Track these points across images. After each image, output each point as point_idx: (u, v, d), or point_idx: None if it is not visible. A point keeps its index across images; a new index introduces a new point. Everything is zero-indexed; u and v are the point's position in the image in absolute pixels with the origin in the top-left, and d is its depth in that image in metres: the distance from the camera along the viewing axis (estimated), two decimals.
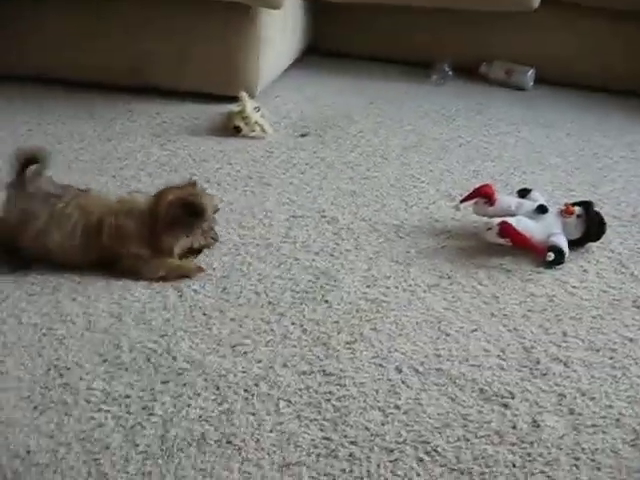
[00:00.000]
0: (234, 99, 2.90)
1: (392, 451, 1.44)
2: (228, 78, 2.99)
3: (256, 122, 2.76)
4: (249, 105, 2.78)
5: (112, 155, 2.60)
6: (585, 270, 2.07)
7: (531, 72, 3.49)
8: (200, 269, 1.95)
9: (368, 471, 1.39)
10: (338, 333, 1.76)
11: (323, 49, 3.72)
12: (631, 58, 3.46)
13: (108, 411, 1.50)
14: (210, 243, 2.01)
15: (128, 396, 1.54)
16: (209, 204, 1.95)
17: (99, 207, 1.91)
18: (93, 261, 1.92)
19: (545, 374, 1.66)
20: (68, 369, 1.61)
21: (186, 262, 1.96)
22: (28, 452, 1.40)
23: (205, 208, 1.91)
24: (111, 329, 1.74)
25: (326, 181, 2.49)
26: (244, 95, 2.82)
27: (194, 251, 1.99)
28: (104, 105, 3.00)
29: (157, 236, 1.89)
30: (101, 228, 1.88)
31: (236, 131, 2.77)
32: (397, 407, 1.54)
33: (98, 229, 1.88)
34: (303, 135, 2.84)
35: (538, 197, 2.25)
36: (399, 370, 1.65)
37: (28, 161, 1.93)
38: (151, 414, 1.49)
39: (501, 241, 2.08)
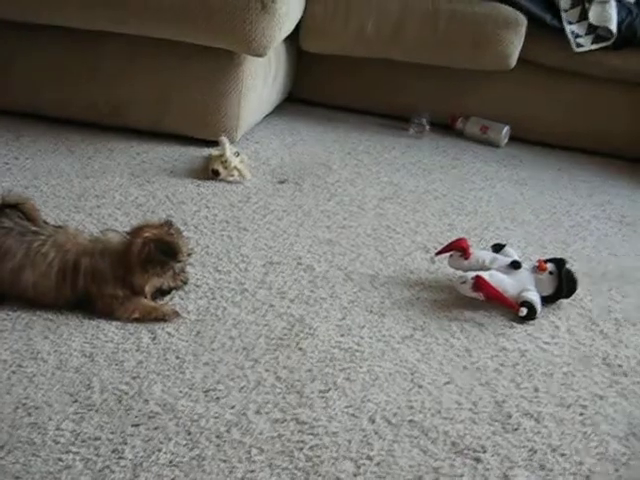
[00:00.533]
0: (214, 143, 2.92)
1: None
2: (209, 122, 3.01)
3: (235, 167, 2.78)
4: (229, 150, 2.80)
5: (89, 192, 2.59)
6: (557, 326, 2.10)
7: (506, 130, 3.57)
8: (176, 313, 1.94)
9: None
10: (312, 381, 1.75)
11: (304, 97, 3.77)
12: (604, 120, 3.55)
13: (77, 453, 1.48)
14: (179, 285, 2.00)
15: (98, 438, 1.52)
16: (184, 246, 1.94)
17: (75, 246, 1.90)
18: (67, 301, 1.90)
19: (516, 429, 1.67)
20: (37, 408, 1.58)
21: (162, 305, 1.95)
22: None
23: (180, 249, 1.91)
24: (83, 369, 1.72)
25: (303, 228, 2.51)
26: (224, 140, 2.84)
27: (163, 292, 1.98)
28: (84, 142, 3.00)
29: (130, 274, 1.88)
30: (78, 269, 1.87)
31: (215, 175, 2.78)
32: (369, 458, 1.54)
33: (74, 270, 1.87)
34: (281, 182, 2.86)
35: (511, 252, 2.28)
36: (372, 420, 1.65)
37: (7, 204, 1.93)
38: (121, 457, 1.47)
39: (475, 295, 2.10)
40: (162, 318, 1.91)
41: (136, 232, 1.91)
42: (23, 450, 1.47)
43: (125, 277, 1.88)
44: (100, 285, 1.88)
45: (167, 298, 1.99)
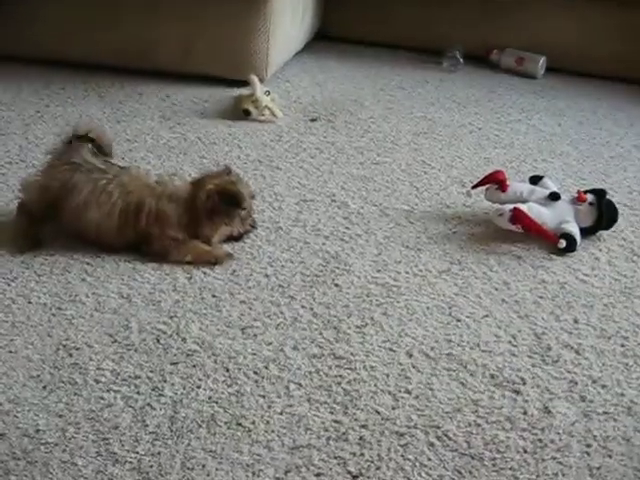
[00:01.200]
0: (244, 83, 2.88)
1: (403, 435, 1.43)
2: (238, 62, 2.98)
3: (266, 106, 2.74)
4: (259, 89, 2.76)
5: (121, 137, 2.58)
6: (597, 258, 2.06)
7: (542, 61, 3.47)
8: (230, 255, 1.94)
9: (379, 455, 1.38)
10: (348, 317, 1.75)
11: (333, 35, 3.70)
12: None
13: (117, 391, 1.50)
14: (249, 230, 2.01)
15: (138, 377, 1.53)
16: (246, 191, 1.94)
17: (139, 187, 1.89)
18: (127, 242, 1.91)
19: (556, 361, 1.65)
20: (77, 349, 1.60)
21: (215, 249, 1.94)
22: (37, 431, 1.39)
23: (242, 196, 1.91)
24: (120, 310, 1.73)
25: (336, 166, 2.48)
26: (254, 79, 2.80)
27: (233, 238, 1.99)
28: (113, 87, 2.98)
29: (197, 226, 1.89)
30: (140, 210, 1.87)
31: (246, 115, 2.75)
32: (408, 391, 1.54)
33: (137, 211, 1.87)
34: (313, 120, 2.82)
35: (550, 184, 2.23)
36: (410, 354, 1.64)
37: (81, 137, 1.93)
38: (161, 395, 1.49)
39: (512, 227, 2.06)
40: (215, 261, 1.91)
41: (198, 184, 1.90)
42: (65, 390, 1.49)
43: (189, 226, 1.89)
44: (163, 227, 1.88)
45: None
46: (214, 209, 1.88)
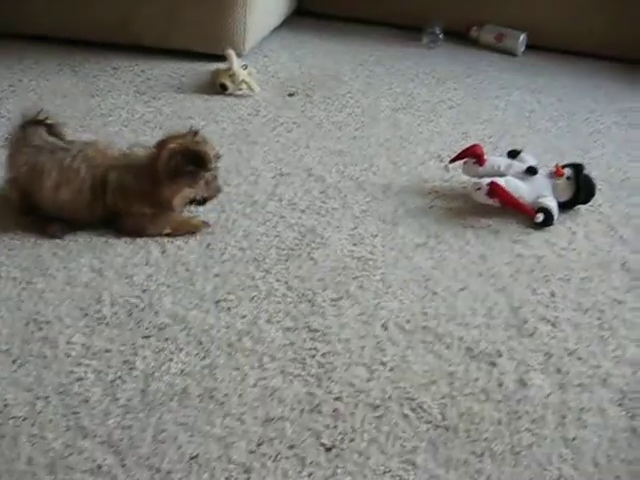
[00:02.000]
0: (222, 58, 2.84)
1: (377, 407, 1.42)
2: (215, 36, 2.93)
3: (243, 80, 2.71)
4: (236, 63, 2.72)
5: (95, 111, 2.54)
6: (574, 232, 2.05)
7: (522, 37, 3.44)
8: (206, 224, 1.91)
9: (352, 427, 1.37)
10: (324, 290, 1.73)
11: (312, 10, 3.65)
12: (623, 24, 3.41)
13: (88, 365, 1.47)
14: (213, 195, 1.92)
15: (108, 350, 1.51)
16: (211, 153, 1.85)
17: (105, 160, 1.85)
18: (99, 218, 1.87)
19: (532, 334, 1.65)
20: (48, 323, 1.58)
21: (192, 218, 1.91)
22: (5, 405, 1.37)
23: (207, 156, 1.82)
24: (92, 283, 1.71)
25: (313, 140, 2.45)
26: (231, 53, 2.76)
27: (196, 202, 1.91)
28: (88, 61, 2.93)
29: (158, 187, 1.82)
30: (106, 184, 1.83)
31: (223, 89, 2.72)
32: (383, 364, 1.52)
33: (103, 185, 1.83)
34: (291, 94, 2.79)
35: (528, 158, 2.22)
36: (385, 327, 1.63)
37: (35, 120, 1.88)
38: (132, 368, 1.47)
39: (490, 201, 2.05)
40: (193, 231, 1.89)
41: (161, 144, 1.83)
42: (35, 364, 1.47)
43: (152, 192, 1.83)
44: (127, 201, 1.83)
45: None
46: (177, 170, 1.80)
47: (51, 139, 1.87)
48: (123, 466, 1.26)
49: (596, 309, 1.75)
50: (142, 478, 1.25)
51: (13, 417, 1.34)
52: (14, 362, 1.47)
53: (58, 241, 1.84)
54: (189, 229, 1.89)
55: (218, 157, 1.91)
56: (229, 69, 2.72)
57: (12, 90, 2.67)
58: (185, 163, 1.81)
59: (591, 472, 1.32)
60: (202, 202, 1.92)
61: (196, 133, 1.87)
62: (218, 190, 1.93)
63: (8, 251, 1.79)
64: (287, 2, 3.43)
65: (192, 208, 1.94)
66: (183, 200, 1.87)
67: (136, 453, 1.29)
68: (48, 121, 1.91)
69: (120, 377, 1.45)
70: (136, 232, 1.87)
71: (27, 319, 1.58)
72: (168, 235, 1.88)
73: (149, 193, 1.83)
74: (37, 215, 1.87)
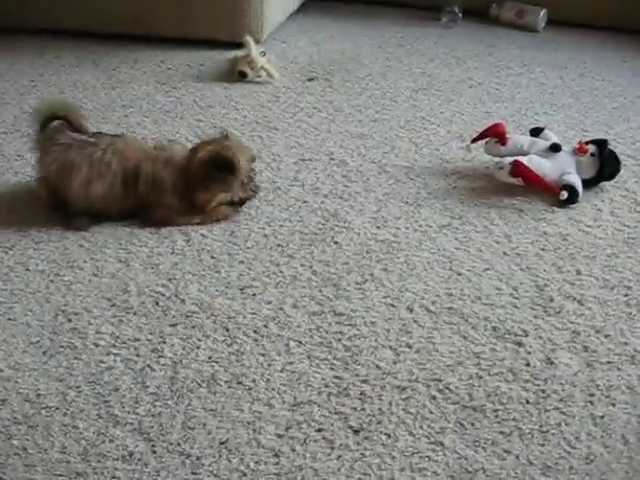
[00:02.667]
0: (240, 45, 2.84)
1: (404, 389, 1.42)
2: (232, 23, 2.93)
3: (262, 67, 2.71)
4: (254, 50, 2.72)
5: (116, 103, 2.56)
6: (599, 209, 2.03)
7: (543, 13, 3.40)
8: (234, 211, 1.93)
9: (380, 409, 1.38)
10: (348, 274, 1.73)
11: None
12: None
13: (117, 354, 1.49)
14: (250, 195, 1.95)
15: (137, 339, 1.53)
16: (244, 156, 1.89)
17: (136, 153, 1.87)
18: (131, 209, 1.89)
19: (559, 312, 1.64)
20: (76, 314, 1.60)
21: (219, 207, 1.91)
22: (38, 395, 1.39)
23: (236, 163, 1.85)
24: (119, 274, 1.72)
25: (334, 124, 2.45)
26: (249, 40, 2.75)
27: (234, 204, 1.93)
28: (108, 54, 2.95)
29: (192, 192, 1.86)
30: (138, 174, 1.84)
31: (242, 76, 2.72)
32: (409, 346, 1.53)
33: (135, 177, 1.84)
34: (310, 79, 2.78)
35: (551, 136, 2.20)
36: (410, 309, 1.63)
37: (54, 115, 1.90)
38: (160, 356, 1.48)
39: (513, 180, 2.04)
40: (223, 218, 1.90)
41: (194, 151, 1.86)
42: (65, 354, 1.49)
43: (185, 192, 1.86)
44: (159, 193, 1.85)
45: None
46: (208, 176, 1.84)
47: (77, 135, 1.88)
48: (154, 452, 1.28)
49: (623, 286, 1.73)
50: (173, 464, 1.26)
51: (45, 407, 1.37)
52: (44, 353, 1.49)
53: (84, 233, 1.86)
54: (218, 217, 1.91)
55: (253, 160, 1.94)
56: (248, 56, 2.72)
57: (33, 85, 2.69)
58: (216, 170, 1.84)
59: (620, 450, 1.32)
60: (240, 203, 1.94)
61: (227, 137, 1.90)
62: (255, 191, 1.96)
63: (35, 244, 1.82)
64: None
65: None
66: (219, 203, 1.90)
67: (166, 439, 1.30)
68: (68, 117, 1.92)
69: (149, 365, 1.46)
70: (165, 223, 1.89)
71: (56, 311, 1.61)
72: (198, 224, 1.89)
73: (182, 191, 1.86)
74: (66, 211, 1.88)
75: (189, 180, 1.85)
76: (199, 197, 1.87)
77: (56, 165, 1.85)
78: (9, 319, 1.58)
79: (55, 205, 1.89)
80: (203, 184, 1.85)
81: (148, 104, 2.56)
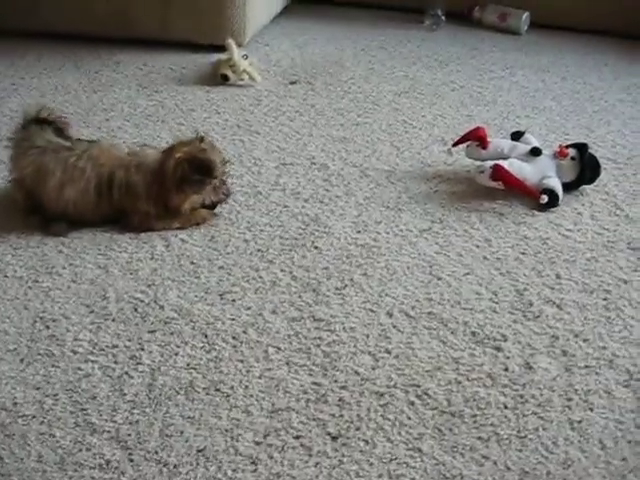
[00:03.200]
0: (222, 49, 2.83)
1: (382, 395, 1.42)
2: (215, 26, 2.93)
3: (244, 70, 2.70)
4: (236, 53, 2.72)
5: (97, 107, 2.55)
6: (579, 213, 2.04)
7: (526, 16, 3.41)
8: (213, 214, 1.93)
9: (358, 415, 1.38)
10: (328, 279, 1.73)
11: None
12: (627, 0, 3.38)
13: (95, 361, 1.48)
14: (222, 199, 1.94)
15: (115, 346, 1.52)
16: (218, 159, 1.88)
17: (110, 159, 1.86)
18: (106, 216, 1.88)
19: (538, 316, 1.64)
20: (54, 321, 1.59)
21: (198, 210, 1.91)
22: (15, 404, 1.38)
23: (213, 164, 1.85)
24: (97, 280, 1.71)
25: (316, 128, 2.45)
26: (231, 43, 2.75)
27: (207, 207, 1.93)
28: (89, 57, 2.94)
29: (166, 195, 1.85)
30: (112, 182, 1.83)
31: (224, 80, 2.71)
32: (388, 351, 1.53)
33: (109, 184, 1.84)
34: (293, 83, 2.78)
35: (531, 139, 2.20)
36: (390, 314, 1.63)
37: (38, 119, 1.89)
38: (139, 363, 1.48)
39: (493, 184, 2.04)
40: (201, 222, 1.91)
41: (168, 152, 1.86)
42: (43, 362, 1.48)
43: (160, 195, 1.85)
44: (133, 200, 1.85)
45: None
46: (183, 178, 1.83)
47: (55, 139, 1.88)
48: (131, 461, 1.27)
49: (602, 290, 1.74)
50: (150, 472, 1.26)
51: (22, 415, 1.36)
52: (22, 361, 1.48)
53: (63, 239, 1.85)
54: (197, 221, 1.90)
55: (226, 162, 1.93)
56: (230, 59, 2.72)
57: (14, 88, 2.68)
58: (191, 172, 1.83)
59: (598, 454, 1.32)
60: (212, 207, 1.94)
61: (202, 139, 1.89)
62: (227, 194, 1.95)
63: (13, 250, 1.81)
64: None
65: None
66: (191, 206, 1.89)
67: (144, 448, 1.30)
68: (51, 118, 1.91)
69: (127, 372, 1.46)
70: (143, 228, 1.88)
71: (34, 318, 1.60)
72: (178, 229, 1.89)
73: (156, 195, 1.85)
74: (42, 215, 1.87)
75: (163, 182, 1.84)
76: (172, 200, 1.86)
77: (31, 168, 1.84)
78: None
79: (31, 209, 1.88)
80: (177, 186, 1.84)
81: (129, 108, 2.55)
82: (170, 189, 1.84)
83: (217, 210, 1.96)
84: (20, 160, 1.87)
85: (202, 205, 1.92)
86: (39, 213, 1.88)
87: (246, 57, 2.75)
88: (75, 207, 1.85)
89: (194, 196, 1.88)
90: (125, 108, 2.54)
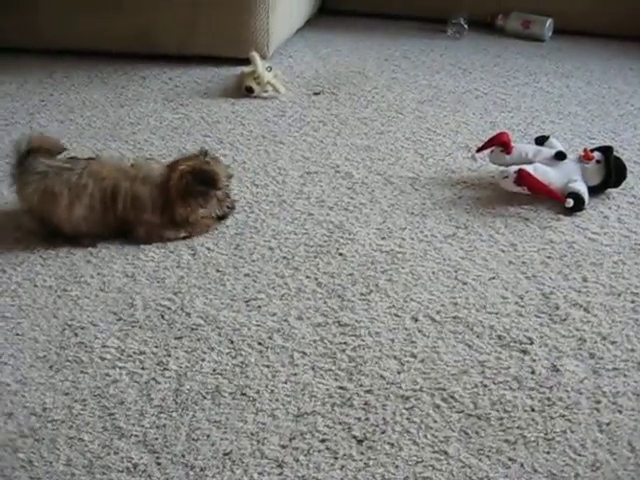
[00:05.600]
0: (246, 61, 2.86)
1: (408, 398, 1.42)
2: (238, 39, 2.96)
3: (268, 82, 2.73)
4: (260, 65, 2.74)
5: (124, 121, 2.58)
6: (606, 216, 2.03)
7: (549, 22, 3.41)
8: (219, 218, 1.95)
9: (384, 419, 1.37)
10: (353, 285, 1.74)
11: (335, 9, 3.67)
12: None
13: (123, 367, 1.50)
14: (227, 212, 1.96)
15: (142, 352, 1.54)
16: (222, 172, 1.91)
17: (112, 172, 1.88)
18: (113, 229, 1.90)
19: (565, 319, 1.63)
20: (83, 328, 1.61)
21: (203, 218, 1.93)
22: (44, 409, 1.40)
23: (216, 175, 1.87)
24: (125, 288, 1.74)
25: (340, 137, 2.46)
26: (255, 55, 2.78)
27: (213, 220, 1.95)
28: (116, 72, 2.98)
29: (171, 207, 1.87)
30: (117, 193, 1.86)
31: (248, 92, 2.74)
32: (413, 355, 1.52)
33: (113, 196, 1.86)
34: (316, 93, 2.80)
35: (556, 144, 2.20)
36: (415, 319, 1.63)
37: (29, 150, 1.90)
38: (165, 369, 1.49)
39: (518, 189, 2.04)
40: (207, 229, 1.93)
41: (172, 166, 1.88)
42: (71, 368, 1.50)
43: (165, 208, 1.87)
44: (138, 211, 1.87)
45: None
46: (188, 190, 1.85)
47: (54, 163, 1.88)
48: (158, 464, 1.29)
49: (629, 292, 1.72)
50: (177, 475, 1.27)
51: (51, 420, 1.38)
52: (51, 368, 1.50)
53: (91, 249, 1.88)
54: (203, 228, 1.93)
55: (230, 176, 1.95)
56: (254, 72, 2.74)
57: (43, 105, 2.72)
58: (195, 183, 1.85)
59: (627, 456, 1.31)
60: (218, 220, 1.96)
61: (206, 153, 1.91)
62: (231, 207, 1.97)
63: (43, 260, 1.83)
64: (310, 2, 3.45)
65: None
66: (196, 218, 1.91)
67: (171, 451, 1.31)
68: (45, 146, 1.92)
69: (154, 378, 1.47)
70: (150, 239, 1.90)
71: (63, 326, 1.62)
72: (184, 238, 1.91)
73: (162, 207, 1.87)
74: (62, 236, 1.89)
75: (168, 196, 1.86)
76: (178, 212, 1.88)
77: (37, 195, 1.85)
78: (17, 334, 1.59)
79: (50, 233, 1.90)
80: (181, 197, 1.86)
81: (156, 121, 2.58)
82: (175, 201, 1.86)
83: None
84: (25, 190, 1.88)
85: (207, 218, 1.93)
86: (58, 235, 1.89)
87: (270, 69, 2.78)
88: (86, 223, 1.87)
89: (200, 209, 1.89)
90: (151, 121, 2.58)
